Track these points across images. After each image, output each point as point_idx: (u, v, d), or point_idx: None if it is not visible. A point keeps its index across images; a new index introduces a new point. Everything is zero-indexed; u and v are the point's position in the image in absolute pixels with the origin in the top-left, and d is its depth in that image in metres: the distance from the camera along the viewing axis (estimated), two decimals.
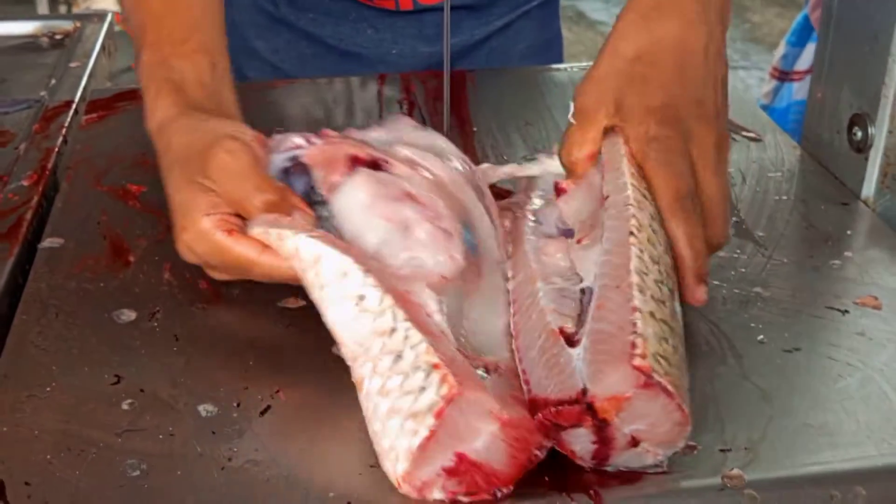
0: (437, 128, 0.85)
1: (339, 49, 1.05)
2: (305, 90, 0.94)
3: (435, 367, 0.49)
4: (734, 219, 0.73)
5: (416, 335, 0.51)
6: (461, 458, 0.48)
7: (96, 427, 0.53)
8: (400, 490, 0.49)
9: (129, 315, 0.63)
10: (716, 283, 0.66)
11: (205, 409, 0.55)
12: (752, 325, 0.62)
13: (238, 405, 0.55)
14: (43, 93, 0.93)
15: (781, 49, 1.83)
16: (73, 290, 0.65)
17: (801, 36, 1.80)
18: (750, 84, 3.58)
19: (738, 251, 0.69)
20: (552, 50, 1.15)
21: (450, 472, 0.48)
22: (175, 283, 0.66)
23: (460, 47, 1.05)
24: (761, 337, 0.61)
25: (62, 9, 3.60)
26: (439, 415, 0.47)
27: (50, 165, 0.78)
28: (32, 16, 1.08)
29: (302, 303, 0.64)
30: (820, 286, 0.66)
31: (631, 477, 0.50)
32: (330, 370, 0.58)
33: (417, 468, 0.48)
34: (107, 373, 0.57)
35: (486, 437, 0.48)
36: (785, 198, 0.76)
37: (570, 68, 0.99)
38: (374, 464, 0.50)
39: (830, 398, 0.56)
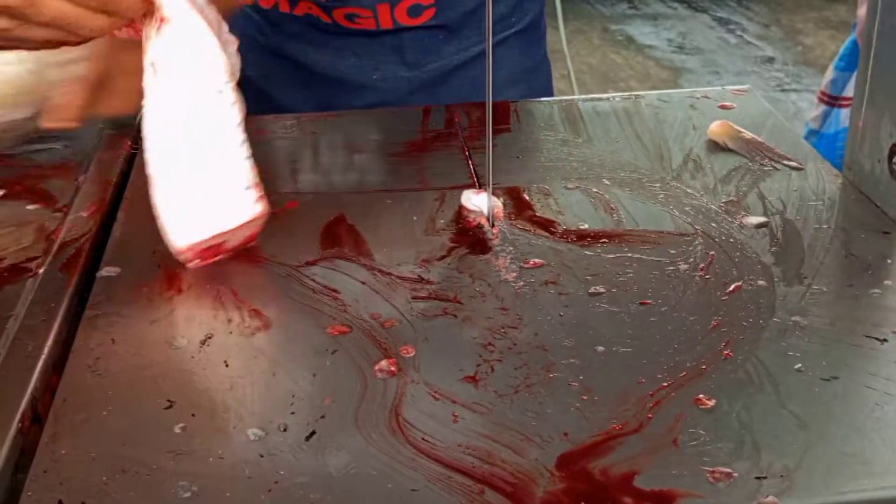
0: (481, 152, 0.87)
1: (322, 75, 1.09)
2: (350, 120, 0.97)
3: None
4: (774, 248, 0.74)
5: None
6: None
7: (150, 450, 0.56)
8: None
9: (181, 341, 0.65)
10: (751, 308, 0.66)
11: (253, 432, 0.57)
12: (790, 353, 0.62)
13: (284, 430, 0.57)
14: (101, 125, 0.97)
15: (830, 73, 1.81)
16: (129, 317, 0.68)
17: (850, 61, 1.78)
18: (802, 107, 3.55)
19: (778, 279, 0.70)
20: (538, 77, 1.16)
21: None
22: (225, 311, 0.68)
23: (440, 71, 1.08)
24: (799, 365, 0.61)
25: None
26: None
27: (108, 197, 0.82)
28: None
29: (346, 330, 0.66)
30: (859, 315, 0.66)
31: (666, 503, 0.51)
32: (373, 395, 0.60)
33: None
34: (160, 397, 0.60)
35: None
36: (825, 226, 0.77)
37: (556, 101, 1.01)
38: (419, 488, 0.52)
39: (867, 427, 0.56)
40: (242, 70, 1.14)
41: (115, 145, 0.91)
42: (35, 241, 0.76)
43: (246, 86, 1.15)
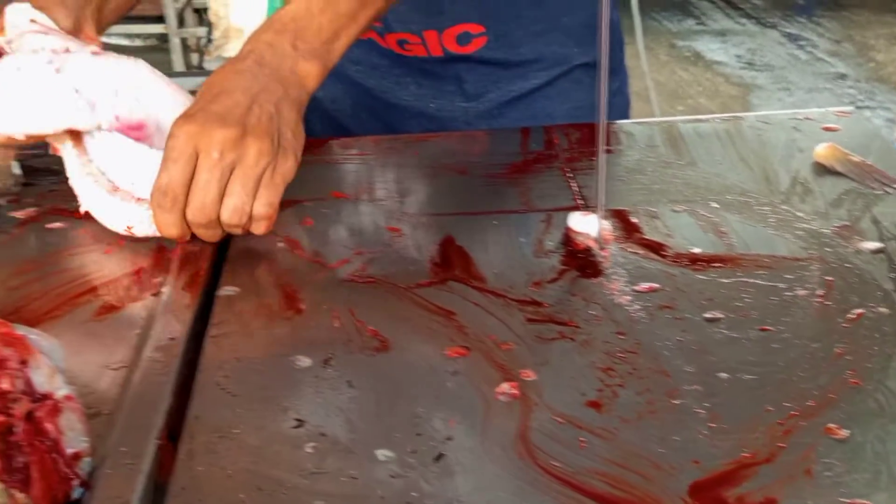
0: (582, 173, 0.87)
1: (384, 100, 1.10)
2: (450, 141, 0.98)
3: None
4: (893, 274, 0.73)
5: None
6: None
7: (283, 468, 0.57)
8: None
9: (304, 361, 0.66)
10: (876, 336, 0.66)
11: (382, 454, 0.58)
12: None
13: (413, 451, 0.58)
14: None
15: None
16: (250, 336, 0.69)
17: None
18: (877, 125, 3.48)
19: None
20: (610, 112, 1.14)
21: None
22: (344, 331, 0.69)
23: (496, 103, 1.08)
24: None
25: (194, 57, 3.79)
26: None
27: None
28: (168, 72, 1.15)
29: (465, 352, 0.66)
30: None
31: None
32: (497, 417, 0.60)
33: None
34: (288, 416, 0.61)
35: None
36: None
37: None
38: None
39: None
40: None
41: None
42: (155, 261, 0.78)
43: (314, 109, 1.17)
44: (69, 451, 0.54)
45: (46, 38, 0.82)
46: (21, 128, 0.79)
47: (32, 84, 0.78)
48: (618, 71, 1.16)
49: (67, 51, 0.81)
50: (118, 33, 3.96)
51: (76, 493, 0.54)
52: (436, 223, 0.83)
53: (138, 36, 4.09)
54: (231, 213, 0.75)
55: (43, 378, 0.55)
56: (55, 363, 0.56)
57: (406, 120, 1.10)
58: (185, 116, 0.76)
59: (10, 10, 0.84)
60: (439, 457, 0.58)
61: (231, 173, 0.75)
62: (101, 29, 0.90)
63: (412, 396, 0.63)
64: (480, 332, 0.69)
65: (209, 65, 3.58)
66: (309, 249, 0.79)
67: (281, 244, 0.80)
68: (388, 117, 1.11)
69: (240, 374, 0.65)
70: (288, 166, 0.78)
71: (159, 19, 3.61)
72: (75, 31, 0.86)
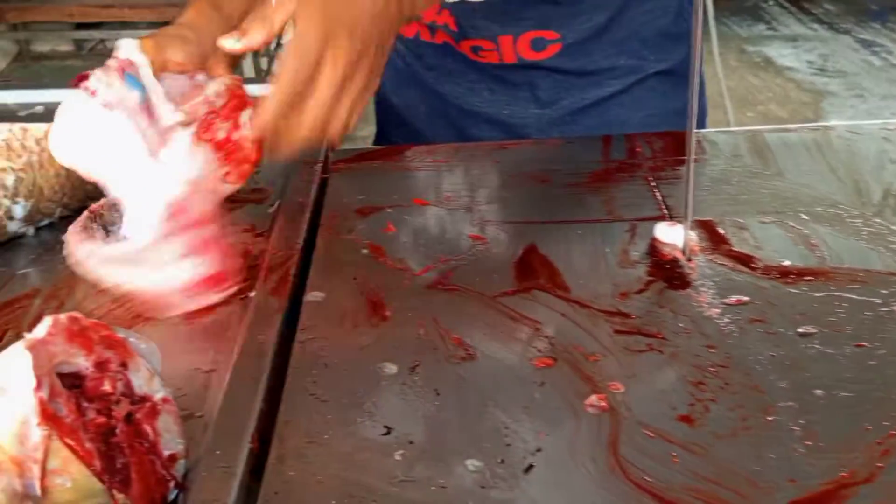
0: (666, 182, 0.86)
1: (457, 106, 1.10)
2: (530, 149, 0.98)
3: None
4: None
5: None
6: None
7: (373, 476, 0.57)
8: None
9: (391, 368, 0.67)
10: None
11: (472, 463, 0.58)
12: None
13: (502, 461, 0.58)
14: None
15: None
16: (338, 342, 0.70)
17: None
18: None
19: None
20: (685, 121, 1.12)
21: None
22: (429, 339, 0.69)
23: (570, 110, 1.07)
24: None
25: (263, 61, 3.83)
26: None
27: (305, 224, 0.84)
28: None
29: (552, 362, 0.66)
30: None
31: None
32: (587, 430, 0.60)
33: None
34: (377, 423, 0.61)
35: None
36: None
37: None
38: None
39: None
40: (386, 97, 1.17)
41: (305, 172, 0.93)
42: (241, 266, 0.79)
43: (388, 114, 1.18)
44: (166, 452, 0.55)
45: (131, 93, 0.74)
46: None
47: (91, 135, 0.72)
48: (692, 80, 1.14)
49: (147, 106, 0.74)
50: None
51: (172, 495, 0.55)
52: (518, 231, 0.83)
53: None
54: (332, 129, 0.73)
55: (142, 381, 0.56)
56: (152, 366, 0.57)
57: (478, 125, 1.10)
58: (314, 14, 0.71)
59: (120, 45, 0.81)
60: (529, 468, 0.57)
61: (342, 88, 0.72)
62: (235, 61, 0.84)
63: (499, 406, 0.63)
64: (567, 342, 0.68)
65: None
66: (392, 256, 0.80)
67: (365, 251, 0.81)
68: (461, 123, 1.11)
69: (328, 379, 0.66)
70: (376, 86, 0.76)
71: None
72: (201, 66, 0.80)
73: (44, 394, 0.49)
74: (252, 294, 0.75)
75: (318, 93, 0.71)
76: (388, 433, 0.61)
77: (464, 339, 0.69)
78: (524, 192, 0.90)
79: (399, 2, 0.75)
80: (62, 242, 0.82)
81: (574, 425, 0.60)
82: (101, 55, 4.16)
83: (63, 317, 0.53)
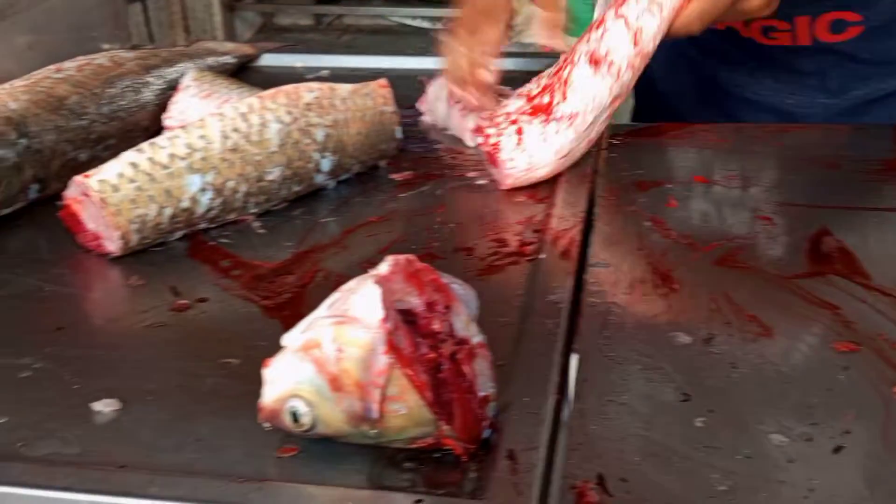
0: None
1: (735, 95, 1.06)
2: (820, 131, 0.95)
3: None
4: None
5: None
6: None
7: (676, 439, 0.58)
8: None
9: (684, 338, 0.67)
10: None
11: (777, 438, 0.57)
12: None
13: (809, 440, 0.57)
14: None
15: None
16: (627, 308, 0.71)
17: None
18: None
19: None
20: None
21: None
22: (721, 313, 0.69)
23: (862, 101, 1.02)
24: None
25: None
26: None
27: (588, 191, 0.86)
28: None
29: (855, 347, 0.64)
30: None
31: None
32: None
33: None
34: (674, 389, 0.62)
35: None
36: None
37: None
38: None
39: None
40: (652, 84, 1.16)
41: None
42: (525, 230, 0.81)
43: (653, 100, 1.17)
44: (481, 394, 0.58)
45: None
46: None
47: None
48: None
49: None
50: (423, 16, 4.16)
51: (485, 434, 0.58)
52: (806, 214, 0.81)
53: (440, 19, 4.26)
54: None
55: (461, 324, 0.59)
56: (471, 311, 0.60)
57: (756, 115, 1.07)
58: None
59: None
60: (838, 449, 0.56)
61: None
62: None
63: (800, 385, 0.62)
64: (870, 329, 0.66)
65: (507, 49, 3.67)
66: (676, 231, 0.80)
67: (647, 223, 0.81)
68: (736, 111, 1.09)
69: (620, 343, 0.67)
70: None
71: None
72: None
73: (390, 325, 0.53)
74: (541, 256, 0.77)
75: None
76: (686, 399, 0.61)
77: (758, 317, 0.68)
78: (810, 176, 0.88)
79: None
80: (358, 195, 0.88)
81: (885, 412, 0.59)
82: (336, 30, 4.37)
83: (402, 257, 0.57)
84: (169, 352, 0.68)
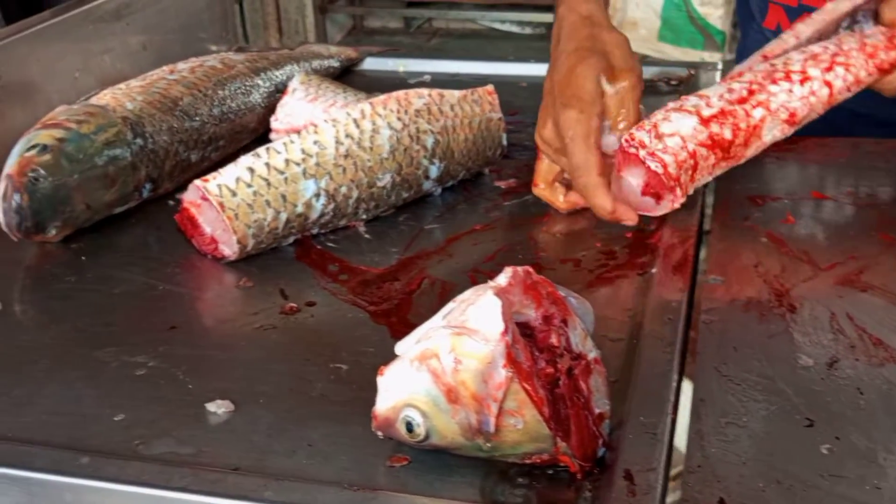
0: None
1: (846, 108, 1.00)
2: None
3: None
4: None
5: None
6: None
7: (799, 465, 0.56)
8: None
9: (806, 360, 0.65)
10: None
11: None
12: None
13: None
14: None
15: None
16: (744, 327, 0.68)
17: None
18: None
19: None
20: None
21: None
22: (844, 335, 0.66)
23: None
24: None
25: None
26: None
27: (700, 205, 0.84)
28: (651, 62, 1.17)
29: None
30: None
31: None
32: None
33: None
34: (797, 413, 0.60)
35: None
36: None
37: None
38: None
39: None
40: None
41: None
42: (634, 242, 0.80)
43: None
44: (596, 411, 0.57)
45: None
46: None
47: None
48: None
49: None
50: (511, 20, 4.15)
51: (600, 452, 0.56)
52: None
53: (528, 24, 4.24)
54: None
55: (577, 339, 0.58)
56: (586, 326, 0.59)
57: (865, 129, 1.02)
58: None
59: None
60: None
61: None
62: None
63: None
64: None
65: None
66: (794, 248, 0.77)
67: (764, 240, 0.79)
68: (847, 127, 1.04)
69: (739, 363, 0.65)
70: None
71: (550, 8, 3.73)
72: None
73: (509, 339, 0.52)
74: (653, 271, 0.75)
75: None
76: (810, 425, 0.59)
77: (883, 340, 0.66)
78: None
79: None
80: (462, 202, 0.87)
81: None
82: (426, 33, 4.39)
83: (520, 269, 0.56)
84: (279, 354, 0.68)
